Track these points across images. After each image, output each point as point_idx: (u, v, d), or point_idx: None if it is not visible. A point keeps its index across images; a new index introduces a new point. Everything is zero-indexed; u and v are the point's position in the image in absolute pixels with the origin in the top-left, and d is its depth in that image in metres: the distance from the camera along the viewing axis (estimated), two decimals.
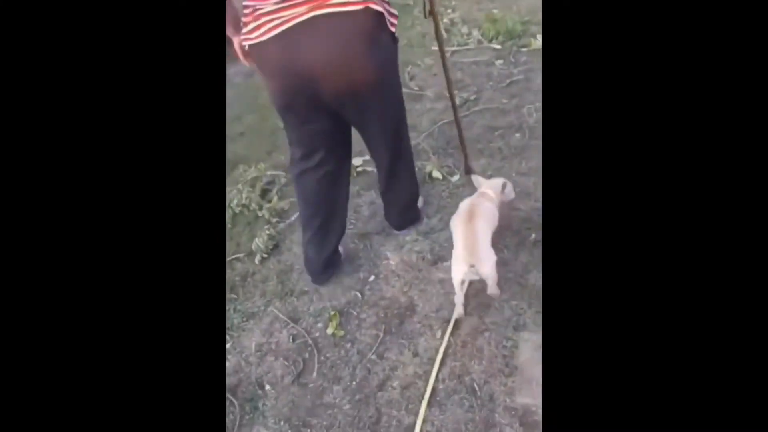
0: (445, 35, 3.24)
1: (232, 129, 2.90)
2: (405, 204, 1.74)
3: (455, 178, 2.12)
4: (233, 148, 2.71)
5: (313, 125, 1.34)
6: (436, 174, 2.14)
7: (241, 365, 1.59)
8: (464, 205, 1.61)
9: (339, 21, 1.11)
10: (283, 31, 1.13)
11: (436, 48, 1.90)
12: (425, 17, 1.65)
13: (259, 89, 3.27)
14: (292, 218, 2.11)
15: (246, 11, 1.19)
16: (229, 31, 1.28)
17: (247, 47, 1.24)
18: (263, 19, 1.14)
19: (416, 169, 1.81)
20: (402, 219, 1.79)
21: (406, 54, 3.15)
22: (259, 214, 2.15)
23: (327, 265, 1.68)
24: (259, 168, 2.37)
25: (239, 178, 2.39)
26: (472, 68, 2.89)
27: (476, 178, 1.75)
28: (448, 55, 2.98)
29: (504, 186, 1.70)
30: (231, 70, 3.64)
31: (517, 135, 2.29)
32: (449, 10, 3.54)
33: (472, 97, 2.62)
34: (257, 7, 1.15)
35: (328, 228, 1.59)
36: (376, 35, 1.18)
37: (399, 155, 1.55)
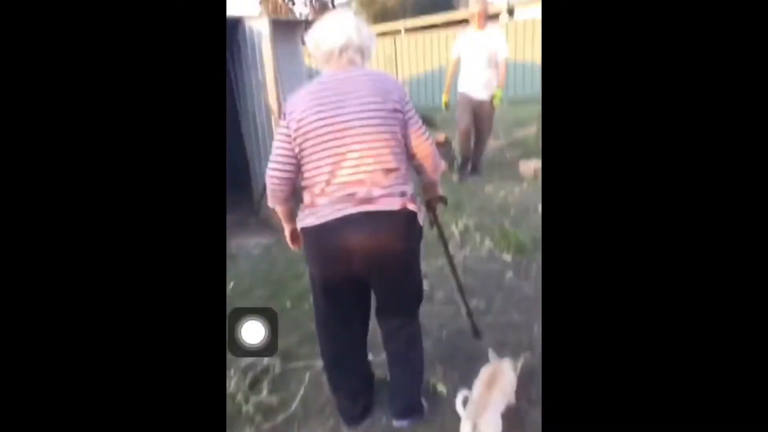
0: (458, 240, 3.40)
1: (240, 302, 2.88)
2: (410, 392, 1.75)
3: (461, 396, 1.97)
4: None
5: (354, 303, 1.60)
6: (441, 388, 2.01)
7: None
8: (486, 369, 1.70)
9: (378, 218, 1.41)
10: (335, 219, 1.40)
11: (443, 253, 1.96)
12: (431, 227, 1.80)
13: (275, 264, 3.36)
14: (278, 419, 1.93)
15: (304, 203, 1.48)
16: (285, 221, 1.63)
17: (300, 229, 1.50)
18: (316, 209, 1.43)
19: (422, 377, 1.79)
20: (404, 409, 1.77)
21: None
22: (244, 408, 1.98)
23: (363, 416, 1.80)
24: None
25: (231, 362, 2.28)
26: (484, 276, 2.95)
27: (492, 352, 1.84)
28: (460, 259, 3.09)
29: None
30: (251, 242, 3.81)
31: (527, 354, 2.20)
32: (464, 216, 3.77)
33: (482, 306, 2.61)
34: (313, 201, 1.45)
35: (368, 402, 1.79)
36: (409, 230, 1.47)
37: (413, 338, 1.69)
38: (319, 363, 2.18)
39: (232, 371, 2.16)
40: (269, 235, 3.87)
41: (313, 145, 1.41)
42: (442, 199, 1.76)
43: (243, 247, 3.74)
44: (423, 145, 1.51)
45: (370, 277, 1.51)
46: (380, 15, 17.22)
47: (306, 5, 10.20)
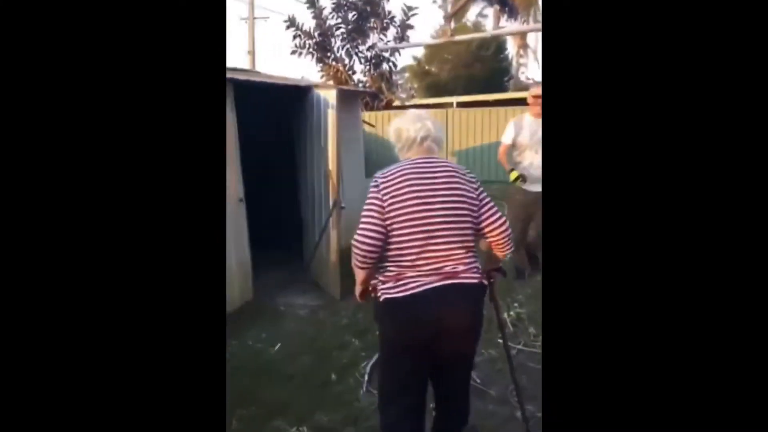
0: (510, 329, 3.20)
1: (283, 368, 2.79)
2: None
3: None
4: (277, 393, 2.54)
5: (423, 369, 1.66)
6: None
7: None
8: None
9: (464, 289, 1.57)
10: (425, 290, 1.53)
11: (500, 340, 1.80)
12: (489, 301, 1.79)
13: (322, 330, 3.27)
14: None
15: (389, 273, 1.59)
16: (362, 282, 1.71)
17: (383, 299, 1.59)
18: (404, 281, 1.55)
19: None
20: None
21: None
22: None
23: None
24: None
25: None
26: (540, 376, 2.74)
27: None
28: (513, 353, 2.86)
29: None
30: (299, 301, 3.77)
31: None
32: (515, 304, 3.60)
33: (538, 414, 2.38)
34: (401, 272, 1.57)
35: None
36: (482, 302, 1.64)
37: (465, 401, 1.81)
38: None
39: None
40: (317, 297, 3.82)
41: (405, 220, 1.55)
42: (501, 271, 1.84)
43: (291, 305, 3.69)
44: (498, 222, 1.66)
45: (442, 345, 1.61)
46: (432, 88, 17.96)
47: (365, 75, 10.73)
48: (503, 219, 1.66)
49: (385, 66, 10.79)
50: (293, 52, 10.52)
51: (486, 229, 1.65)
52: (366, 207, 1.60)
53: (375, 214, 1.57)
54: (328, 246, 3.82)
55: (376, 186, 1.60)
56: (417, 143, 1.67)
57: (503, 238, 1.66)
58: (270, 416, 2.35)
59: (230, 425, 2.27)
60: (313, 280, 4.08)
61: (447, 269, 1.56)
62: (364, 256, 1.58)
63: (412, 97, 14.35)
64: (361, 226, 1.58)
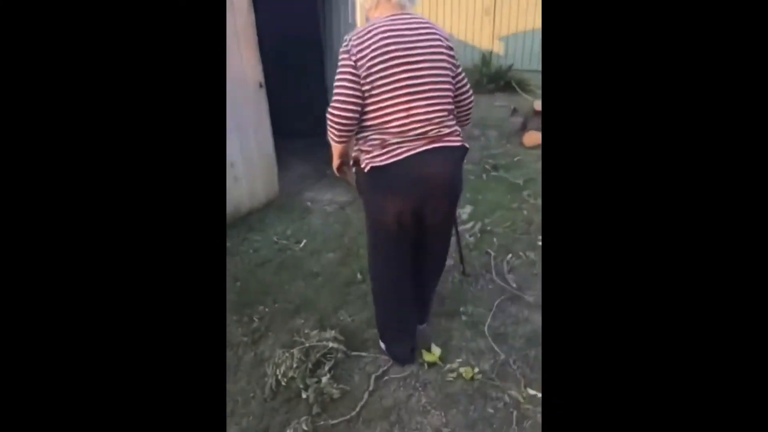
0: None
1: (308, 265, 2.68)
2: (425, 304, 1.99)
3: None
4: (302, 290, 2.45)
5: (409, 234, 1.65)
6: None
7: None
8: None
9: (448, 152, 1.53)
10: (409, 156, 1.48)
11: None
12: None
13: (348, 226, 3.12)
14: (338, 420, 1.70)
15: (373, 142, 1.51)
16: (339, 156, 1.64)
17: (368, 168, 1.52)
18: (389, 149, 1.49)
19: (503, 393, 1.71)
20: (423, 316, 2.01)
21: (507, 239, 2.87)
22: (303, 395, 1.76)
23: (414, 352, 1.93)
24: (319, 337, 2.03)
25: (294, 336, 2.07)
26: None
27: None
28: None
29: None
30: (326, 196, 3.59)
31: None
32: None
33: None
34: (385, 140, 1.49)
35: (412, 326, 1.93)
36: (462, 163, 1.63)
37: (441, 264, 1.90)
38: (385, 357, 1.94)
39: (295, 351, 1.95)
40: (344, 192, 3.62)
41: (387, 83, 1.43)
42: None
43: (317, 202, 3.53)
44: (470, 92, 1.64)
45: (430, 209, 1.61)
46: None
47: None
48: (468, 84, 1.64)
49: None
50: None
51: (458, 94, 1.60)
52: (339, 73, 1.45)
53: (350, 81, 1.43)
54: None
55: (348, 50, 1.43)
56: (385, 0, 1.52)
57: (469, 108, 1.66)
58: (292, 313, 2.27)
59: (250, 323, 2.22)
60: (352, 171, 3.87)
61: (432, 133, 1.50)
62: (341, 128, 1.48)
63: None
64: (336, 94, 1.45)
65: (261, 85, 3.23)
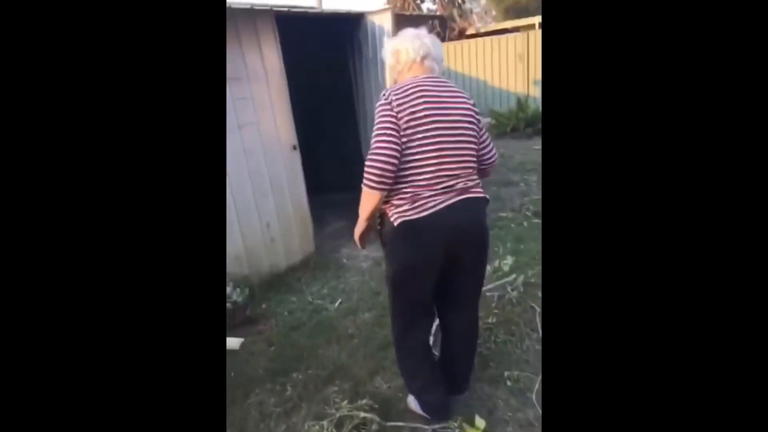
0: None
1: (343, 326, 2.59)
2: (467, 368, 1.91)
3: None
4: (337, 354, 2.35)
5: (431, 283, 1.66)
6: None
7: None
8: None
9: (475, 203, 1.62)
10: (443, 207, 1.54)
11: None
12: None
13: (383, 282, 3.03)
14: None
15: (403, 196, 1.55)
16: (370, 217, 1.63)
17: (398, 222, 1.55)
18: (420, 202, 1.54)
19: None
20: (461, 383, 1.91)
21: None
22: None
23: (448, 404, 1.86)
24: (353, 406, 1.91)
25: (329, 404, 1.96)
26: None
27: None
28: None
29: None
30: (362, 252, 3.54)
31: None
32: None
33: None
34: (416, 193, 1.54)
35: (437, 373, 1.83)
36: (486, 213, 1.71)
37: (475, 317, 1.88)
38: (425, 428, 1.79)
39: (325, 422, 1.84)
40: (380, 248, 3.56)
41: (422, 138, 1.50)
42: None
43: (353, 258, 3.48)
44: (493, 149, 1.74)
45: (459, 258, 1.64)
46: (513, 9, 16.22)
47: (434, 3, 9.83)
48: (492, 144, 1.74)
49: None
50: None
51: (481, 152, 1.69)
52: (379, 124, 1.50)
53: (391, 131, 1.48)
54: None
55: (389, 102, 1.50)
56: (418, 63, 1.63)
57: (491, 163, 1.75)
58: (326, 380, 2.17)
59: (283, 391, 2.13)
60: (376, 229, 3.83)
61: (459, 186, 1.58)
62: (381, 177, 1.47)
63: (490, 23, 13.05)
64: (376, 145, 1.47)
65: (294, 147, 3.31)
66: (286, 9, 3.15)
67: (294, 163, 3.33)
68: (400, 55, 1.64)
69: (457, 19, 9.92)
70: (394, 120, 1.48)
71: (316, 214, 3.55)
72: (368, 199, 1.53)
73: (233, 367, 2.32)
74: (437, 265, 1.60)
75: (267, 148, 3.13)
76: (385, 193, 1.53)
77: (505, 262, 3.05)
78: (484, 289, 2.41)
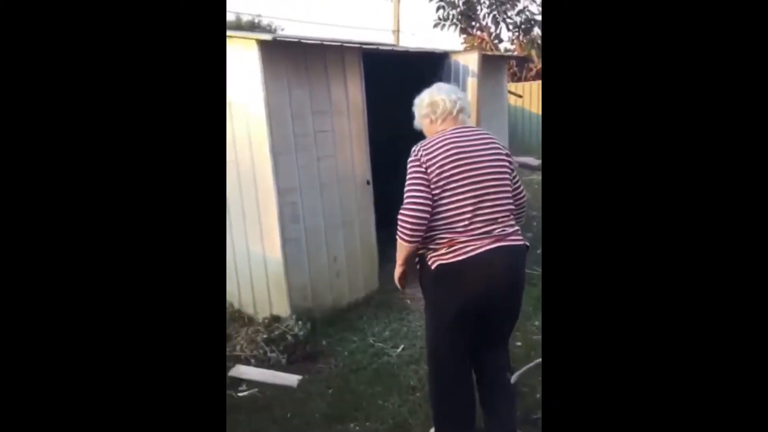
0: None
1: (405, 376, 2.45)
2: (510, 416, 1.81)
3: None
4: (397, 407, 2.21)
5: (471, 331, 1.70)
6: None
7: None
8: None
9: (513, 251, 1.64)
10: (480, 253, 1.58)
11: None
12: None
13: None
14: None
15: (440, 241, 1.61)
16: (407, 261, 1.73)
17: (435, 265, 1.63)
18: (457, 247, 1.59)
19: None
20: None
21: None
22: None
23: None
24: None
25: None
26: None
27: None
28: None
29: None
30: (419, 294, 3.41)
31: None
32: None
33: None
34: (453, 238, 1.60)
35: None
36: (525, 261, 1.72)
37: (505, 364, 1.86)
38: None
39: None
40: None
41: (454, 188, 1.59)
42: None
43: (417, 299, 3.35)
44: (524, 193, 1.80)
45: (494, 306, 1.68)
46: None
47: (512, 43, 9.76)
48: (523, 188, 1.80)
49: (536, 31, 9.67)
50: (436, 25, 10.03)
51: (514, 194, 1.74)
52: (410, 179, 1.61)
53: (422, 187, 1.58)
54: None
55: (418, 158, 1.62)
56: (453, 115, 1.72)
57: (523, 206, 1.80)
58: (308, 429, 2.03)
59: None
60: (416, 273, 3.70)
61: (496, 232, 1.62)
62: (414, 229, 1.57)
63: None
64: (408, 198, 1.58)
65: (368, 182, 3.29)
66: (374, 47, 3.18)
67: (366, 198, 3.30)
68: (438, 106, 1.73)
69: (536, 59, 9.76)
70: (423, 175, 1.59)
71: (383, 250, 3.47)
72: (402, 249, 1.66)
73: (290, 407, 2.24)
74: (474, 308, 1.64)
75: (342, 181, 3.13)
76: (418, 242, 1.62)
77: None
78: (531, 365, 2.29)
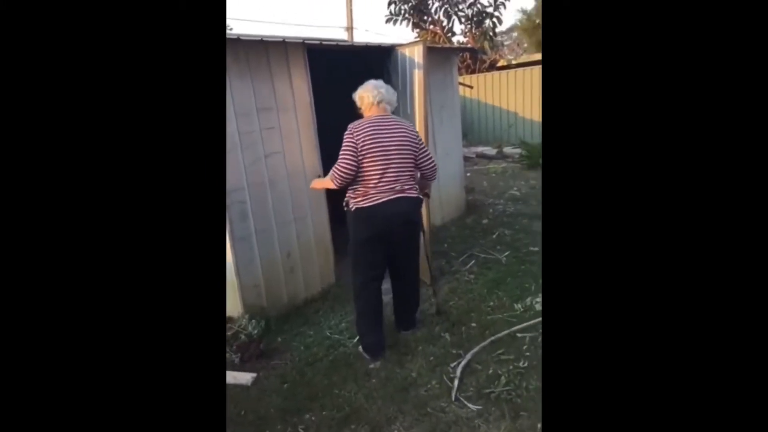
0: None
1: (362, 364, 2.48)
2: (411, 312, 2.82)
3: None
4: (353, 394, 2.24)
5: (379, 253, 2.53)
6: None
7: None
8: None
9: (406, 200, 2.47)
10: (383, 201, 2.41)
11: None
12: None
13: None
14: None
15: (359, 191, 2.44)
16: (321, 188, 2.96)
17: (354, 208, 2.46)
18: (368, 196, 2.42)
19: None
20: (407, 324, 2.81)
21: None
22: None
23: (381, 345, 2.61)
24: None
25: None
26: None
27: None
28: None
29: None
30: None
31: None
32: None
33: None
34: (367, 191, 2.42)
35: (378, 320, 2.63)
36: (419, 209, 2.61)
37: (414, 279, 2.76)
38: None
39: None
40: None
41: (371, 157, 2.37)
42: (428, 195, 2.85)
43: None
44: (429, 160, 2.56)
45: (395, 236, 2.51)
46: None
47: (465, 35, 9.91)
48: (432, 158, 2.57)
49: (488, 23, 9.85)
50: (388, 20, 10.07)
51: (421, 164, 2.53)
52: (344, 147, 2.37)
53: (351, 153, 2.36)
54: None
55: (351, 133, 2.39)
56: (375, 105, 2.49)
57: (431, 171, 2.57)
58: (340, 423, 2.05)
59: None
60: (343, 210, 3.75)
61: (397, 188, 2.43)
62: (342, 180, 2.40)
63: (521, 55, 13.05)
64: (342, 159, 2.37)
65: (319, 176, 3.29)
66: (318, 42, 3.18)
67: (318, 193, 3.30)
68: (364, 100, 2.51)
69: (489, 51, 9.94)
70: (354, 144, 2.36)
71: (338, 244, 3.49)
72: (328, 185, 2.49)
73: (244, 404, 2.24)
74: (380, 238, 2.46)
75: (292, 177, 3.12)
76: (341, 188, 2.44)
77: (537, 300, 2.90)
78: (515, 328, 2.69)
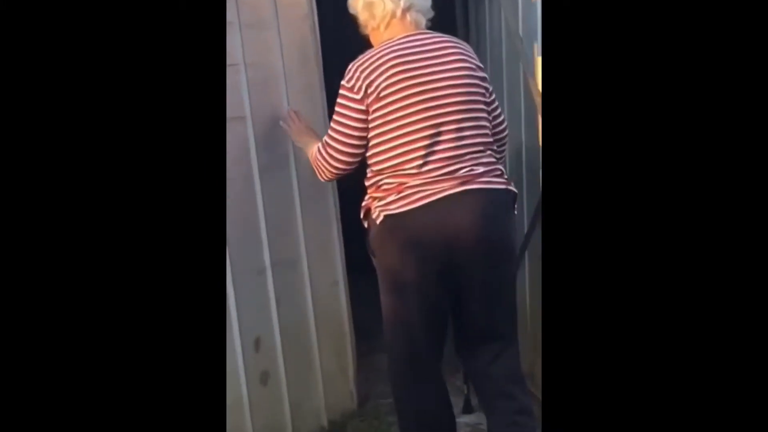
0: None
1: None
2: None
3: None
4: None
5: (428, 298, 1.29)
6: None
7: None
8: None
9: (484, 195, 1.26)
10: (432, 202, 1.23)
11: None
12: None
13: None
14: None
15: (387, 187, 1.27)
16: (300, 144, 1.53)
17: (381, 217, 1.27)
18: (406, 193, 1.24)
19: None
20: None
21: None
22: None
23: None
24: None
25: None
26: None
27: None
28: None
29: None
30: None
31: None
32: None
33: None
34: (403, 182, 1.25)
35: None
36: (511, 212, 1.35)
37: (506, 350, 1.34)
38: None
39: None
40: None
41: (400, 118, 1.23)
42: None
43: None
44: (501, 123, 1.40)
45: (468, 270, 1.28)
46: None
47: None
48: (505, 120, 1.42)
49: None
50: None
51: (493, 122, 1.36)
52: (338, 110, 1.26)
53: (353, 122, 1.25)
54: None
55: (353, 77, 1.25)
56: (398, 18, 1.29)
57: (503, 143, 1.42)
58: None
59: None
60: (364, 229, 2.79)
61: (462, 173, 1.25)
62: (337, 172, 1.31)
63: None
64: (335, 133, 1.26)
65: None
66: None
67: (324, 189, 1.70)
68: (375, 8, 1.29)
69: None
70: (357, 104, 1.24)
71: (363, 318, 1.83)
72: (310, 161, 1.39)
73: None
74: (434, 270, 1.24)
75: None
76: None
77: None
78: None
